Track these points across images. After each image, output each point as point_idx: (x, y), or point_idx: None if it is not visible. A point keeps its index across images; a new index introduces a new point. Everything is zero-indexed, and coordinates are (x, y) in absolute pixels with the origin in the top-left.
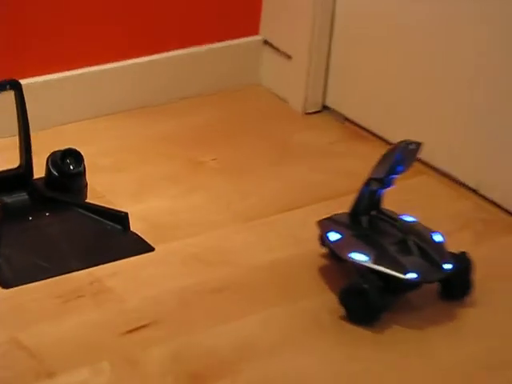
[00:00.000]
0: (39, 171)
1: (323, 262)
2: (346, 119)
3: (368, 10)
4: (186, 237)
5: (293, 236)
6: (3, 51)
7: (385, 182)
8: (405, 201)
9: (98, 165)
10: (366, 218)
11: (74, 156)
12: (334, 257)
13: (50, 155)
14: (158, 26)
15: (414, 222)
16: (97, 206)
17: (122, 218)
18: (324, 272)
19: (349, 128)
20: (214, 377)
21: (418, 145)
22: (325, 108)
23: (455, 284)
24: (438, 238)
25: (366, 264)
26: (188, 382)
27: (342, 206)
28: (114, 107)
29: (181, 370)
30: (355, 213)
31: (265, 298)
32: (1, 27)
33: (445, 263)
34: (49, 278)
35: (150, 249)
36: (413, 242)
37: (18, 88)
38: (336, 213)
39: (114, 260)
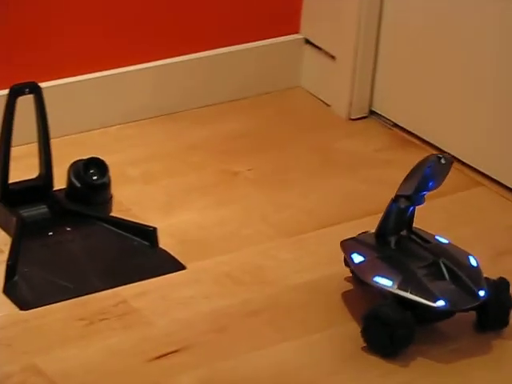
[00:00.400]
0: (60, 182)
1: None
2: (395, 125)
3: (419, 6)
4: (218, 254)
5: (333, 254)
6: (21, 52)
7: (414, 200)
8: (458, 215)
9: (124, 176)
10: (395, 239)
11: (98, 166)
12: (358, 280)
13: (71, 165)
14: (188, 25)
15: (447, 243)
16: (123, 220)
17: (149, 234)
18: (367, 292)
19: (397, 134)
20: None
21: (450, 159)
22: (371, 113)
23: (492, 313)
24: (473, 261)
25: (390, 289)
26: None
27: None
28: (141, 113)
29: None
30: (382, 233)
31: (302, 322)
32: (20, 27)
33: (480, 290)
34: (71, 298)
35: (181, 267)
36: (444, 266)
37: (37, 92)
38: (361, 232)
39: (142, 279)
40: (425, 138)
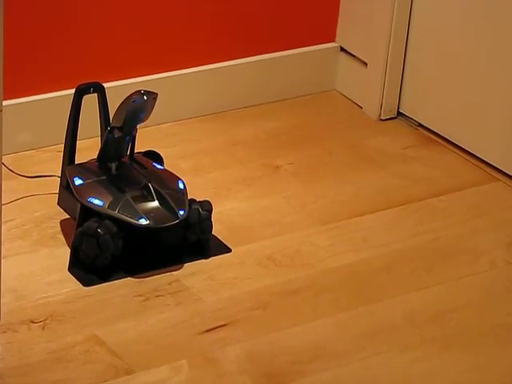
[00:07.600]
0: None
1: (395, 264)
2: (420, 125)
3: (444, 17)
4: (262, 239)
5: (365, 240)
6: (87, 55)
7: (126, 130)
8: (477, 206)
9: (176, 168)
10: (115, 165)
11: (155, 158)
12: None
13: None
14: (236, 33)
15: (162, 169)
16: None
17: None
18: (395, 276)
19: (422, 134)
20: (287, 376)
21: (153, 95)
22: (399, 114)
23: (194, 229)
24: (181, 185)
25: (101, 209)
26: (263, 380)
27: (417, 211)
28: (192, 112)
29: (256, 369)
30: (102, 159)
31: (339, 301)
32: (86, 32)
33: (180, 210)
34: (129, 276)
35: (227, 250)
36: (153, 189)
37: (101, 91)
38: (92, 159)
39: (192, 260)
40: (446, 136)
